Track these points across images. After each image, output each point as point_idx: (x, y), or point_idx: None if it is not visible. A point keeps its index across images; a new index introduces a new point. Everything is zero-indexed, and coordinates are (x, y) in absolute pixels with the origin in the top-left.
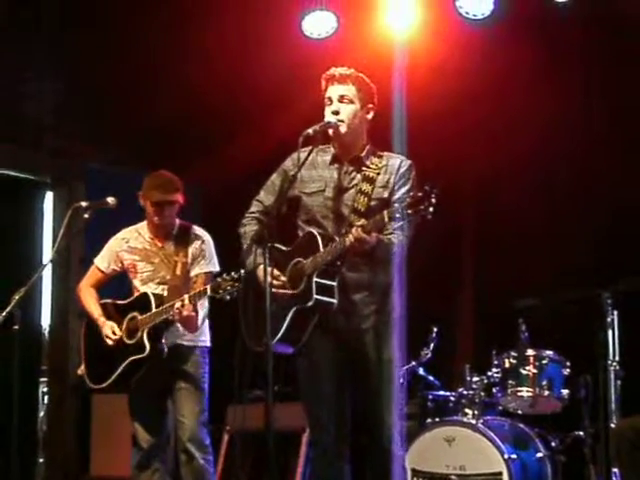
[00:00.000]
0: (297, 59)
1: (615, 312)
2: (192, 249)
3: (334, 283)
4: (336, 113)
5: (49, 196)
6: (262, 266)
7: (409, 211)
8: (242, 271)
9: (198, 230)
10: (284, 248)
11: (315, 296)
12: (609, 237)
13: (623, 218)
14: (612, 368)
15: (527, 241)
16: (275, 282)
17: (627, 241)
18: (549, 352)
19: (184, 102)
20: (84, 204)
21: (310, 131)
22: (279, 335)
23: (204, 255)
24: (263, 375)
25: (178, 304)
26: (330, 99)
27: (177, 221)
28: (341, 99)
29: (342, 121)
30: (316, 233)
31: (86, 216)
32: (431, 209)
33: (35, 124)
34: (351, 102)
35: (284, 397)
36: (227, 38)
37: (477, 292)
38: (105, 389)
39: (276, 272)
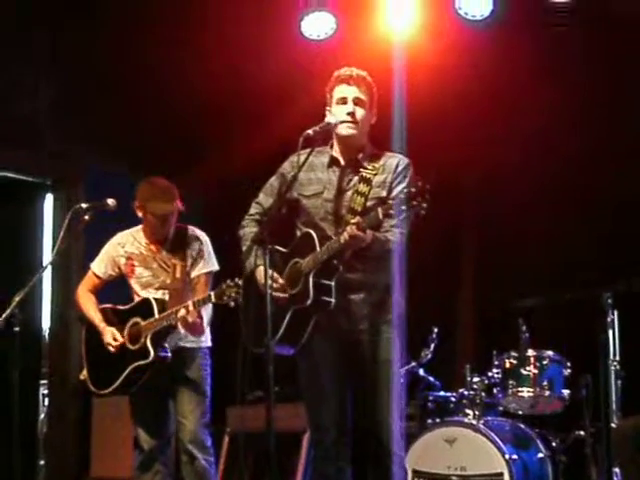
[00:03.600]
0: (296, 60)
1: (615, 312)
2: (191, 251)
3: (332, 283)
4: (352, 115)
5: (49, 198)
6: (261, 268)
7: (402, 207)
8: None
9: (195, 231)
10: (283, 250)
11: (312, 296)
12: (610, 237)
13: (624, 218)
14: (613, 368)
15: (527, 241)
16: (273, 285)
17: (627, 241)
18: (549, 352)
19: (184, 103)
20: (84, 206)
21: (310, 132)
22: (278, 336)
23: (203, 256)
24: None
25: (182, 312)
26: (345, 100)
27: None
28: (357, 102)
29: (356, 123)
30: (313, 233)
31: (86, 218)
32: (424, 205)
33: (35, 126)
34: (364, 106)
35: (285, 398)
36: (226, 39)
37: (477, 292)
38: (108, 394)
39: (275, 275)
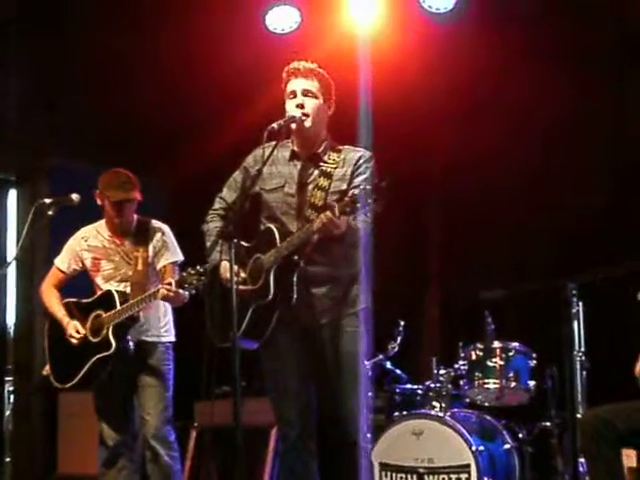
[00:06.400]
0: (261, 54)
1: (580, 303)
2: (153, 242)
3: (293, 278)
4: (301, 107)
5: (12, 193)
6: (224, 262)
7: (358, 204)
8: (207, 265)
9: (156, 223)
10: (246, 244)
11: (273, 292)
12: (574, 229)
13: (588, 210)
14: (578, 359)
15: (492, 234)
16: (235, 279)
17: (591, 233)
18: (515, 344)
19: (148, 98)
20: (48, 201)
21: (275, 125)
22: (241, 330)
23: (167, 246)
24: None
25: (163, 291)
26: (294, 92)
27: (135, 217)
28: (305, 93)
29: (307, 115)
30: (274, 228)
31: (50, 213)
32: (382, 202)
33: None
34: (315, 96)
35: (252, 393)
36: (191, 33)
37: (443, 285)
38: (71, 388)
39: (236, 269)
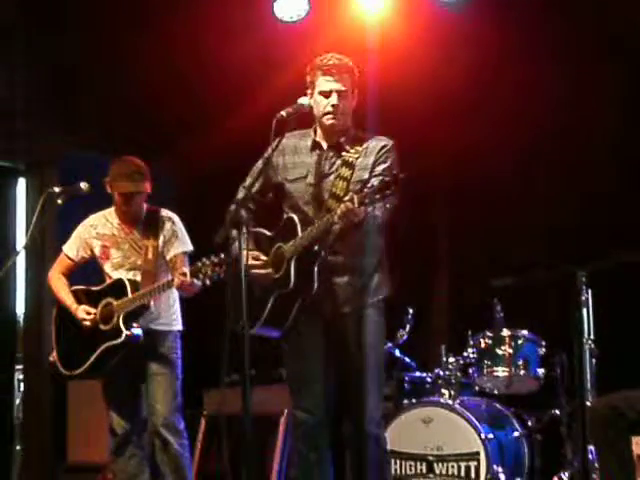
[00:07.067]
0: (269, 42)
1: (590, 291)
2: (163, 232)
3: (314, 268)
4: (336, 107)
5: (22, 182)
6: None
7: (377, 196)
8: (222, 255)
9: (166, 212)
10: (268, 233)
11: (294, 281)
12: (583, 216)
13: (598, 197)
14: (587, 347)
15: (502, 221)
16: (256, 262)
17: (601, 220)
18: (524, 332)
19: (158, 87)
20: (57, 189)
21: (283, 113)
22: (262, 319)
23: (177, 236)
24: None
25: (176, 281)
26: (330, 93)
27: (145, 205)
28: (340, 93)
29: (339, 114)
30: (295, 218)
31: (59, 202)
32: (396, 195)
33: (8, 110)
34: (347, 96)
35: (261, 381)
36: (199, 22)
37: (452, 272)
38: (78, 376)
39: (256, 253)
